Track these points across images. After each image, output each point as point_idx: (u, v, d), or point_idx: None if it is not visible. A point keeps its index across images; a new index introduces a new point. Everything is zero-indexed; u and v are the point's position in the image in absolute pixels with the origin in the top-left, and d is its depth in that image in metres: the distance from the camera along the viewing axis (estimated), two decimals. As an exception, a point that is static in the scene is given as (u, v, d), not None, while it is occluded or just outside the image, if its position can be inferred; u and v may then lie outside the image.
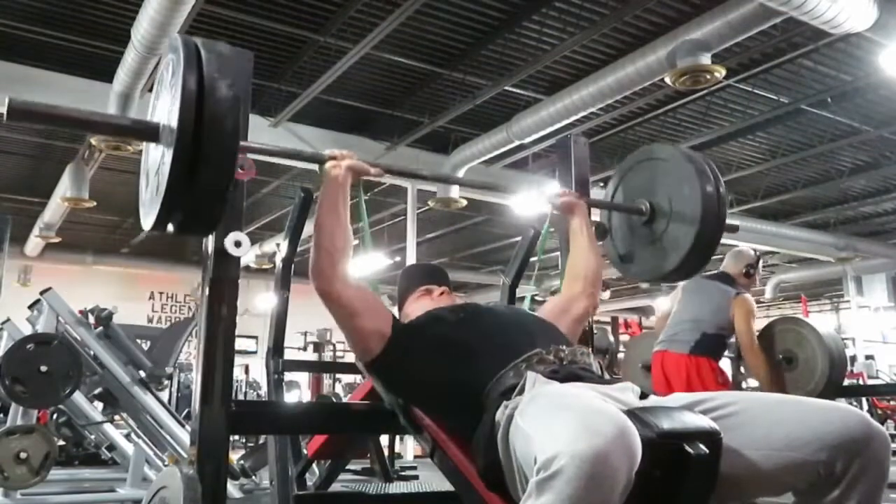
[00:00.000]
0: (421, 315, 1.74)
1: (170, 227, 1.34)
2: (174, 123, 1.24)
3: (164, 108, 1.34)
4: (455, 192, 8.03)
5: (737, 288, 3.66)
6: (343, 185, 1.69)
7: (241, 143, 1.42)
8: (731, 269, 3.80)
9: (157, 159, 1.34)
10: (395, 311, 1.96)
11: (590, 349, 1.72)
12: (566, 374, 1.44)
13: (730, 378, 3.98)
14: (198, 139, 1.23)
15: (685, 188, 2.01)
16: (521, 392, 1.37)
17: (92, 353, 4.24)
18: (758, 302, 17.48)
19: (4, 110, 1.25)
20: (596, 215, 2.27)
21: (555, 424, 1.11)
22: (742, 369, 5.62)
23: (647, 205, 2.11)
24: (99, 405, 4.74)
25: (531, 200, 8.42)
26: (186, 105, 1.23)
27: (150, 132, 1.37)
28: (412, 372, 1.61)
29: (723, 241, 2.05)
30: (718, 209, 1.98)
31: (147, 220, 1.36)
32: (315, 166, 1.78)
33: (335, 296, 1.61)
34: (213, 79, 1.26)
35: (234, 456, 4.84)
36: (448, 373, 1.54)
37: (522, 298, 2.20)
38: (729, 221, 2.03)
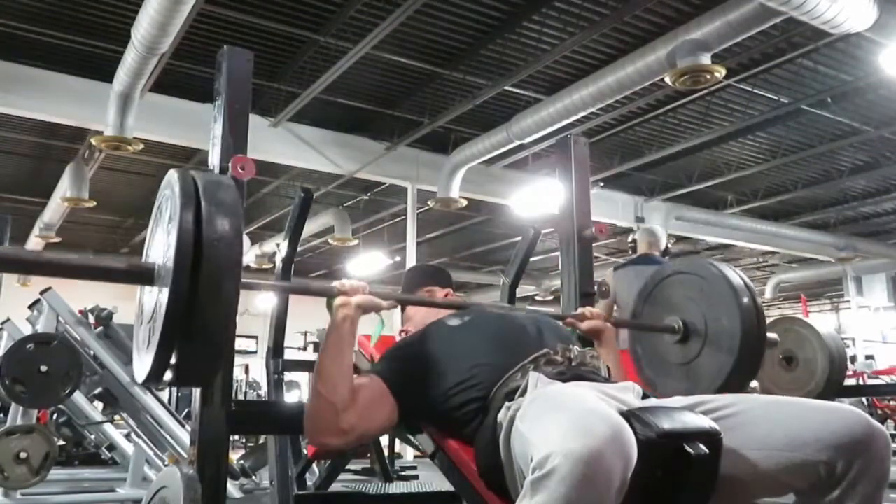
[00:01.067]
0: (421, 331, 1.69)
1: (167, 377, 1.23)
2: (170, 264, 1.14)
3: (160, 248, 1.24)
4: (455, 191, 8.03)
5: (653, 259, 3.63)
6: (351, 328, 1.52)
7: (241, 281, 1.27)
8: (656, 249, 3.76)
9: (151, 304, 1.24)
10: (397, 312, 1.96)
11: (599, 344, 1.71)
12: (572, 376, 1.44)
13: None
14: (195, 295, 1.13)
15: (723, 309, 1.83)
16: (524, 393, 1.37)
17: (92, 353, 4.24)
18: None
19: None
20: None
21: (550, 424, 1.11)
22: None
23: (680, 323, 1.93)
24: (99, 405, 4.74)
25: (531, 200, 8.45)
26: (182, 257, 1.13)
27: (146, 276, 1.25)
28: (427, 407, 1.56)
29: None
30: (758, 337, 1.80)
31: (141, 372, 1.25)
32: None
33: (352, 440, 1.50)
34: (212, 231, 1.15)
35: (234, 456, 4.84)
36: (456, 386, 1.52)
37: (524, 299, 2.18)
38: (770, 335, 1.86)
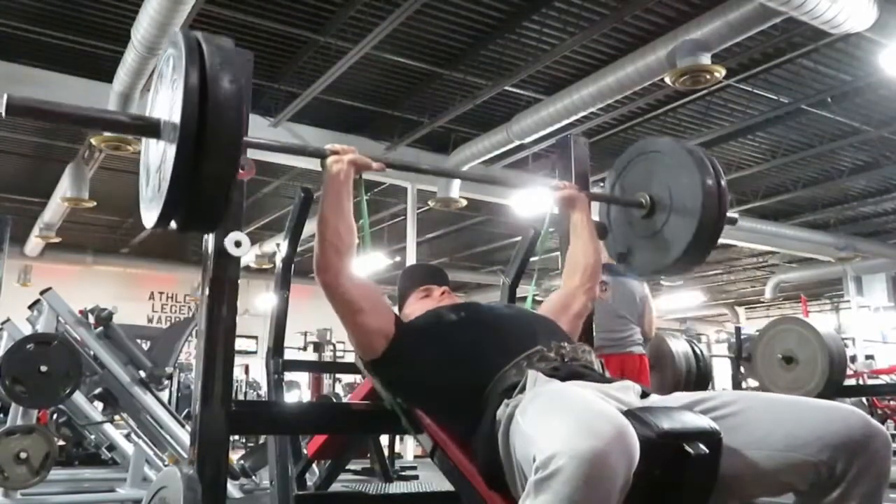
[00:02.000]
0: (422, 315, 1.73)
1: (172, 224, 1.33)
2: (176, 118, 1.22)
3: (165, 104, 1.32)
4: (455, 191, 8.03)
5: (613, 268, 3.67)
6: (346, 180, 1.67)
7: (245, 138, 1.41)
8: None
9: (157, 156, 1.33)
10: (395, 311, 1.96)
11: (591, 346, 1.71)
12: (567, 371, 1.44)
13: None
14: (201, 133, 1.21)
15: (685, 180, 1.99)
16: (523, 390, 1.37)
17: (92, 353, 4.24)
18: (758, 302, 17.38)
19: (3, 106, 1.24)
20: (595, 213, 2.26)
21: (554, 424, 1.11)
22: (742, 369, 5.62)
23: (647, 198, 2.09)
24: (99, 405, 4.74)
25: (531, 200, 8.45)
26: (189, 99, 1.21)
27: (150, 128, 1.35)
28: (414, 371, 1.61)
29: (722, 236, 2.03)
30: (719, 201, 1.96)
31: (149, 218, 1.35)
32: (317, 163, 1.77)
33: (341, 290, 1.60)
34: (215, 72, 1.24)
35: (234, 456, 4.84)
36: (450, 372, 1.54)
37: (524, 299, 2.19)
38: (729, 214, 2.02)
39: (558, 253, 2.22)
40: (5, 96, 1.24)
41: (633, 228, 2.18)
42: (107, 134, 5.94)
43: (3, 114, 1.24)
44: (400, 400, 1.72)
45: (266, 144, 1.78)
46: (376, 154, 8.08)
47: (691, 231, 1.96)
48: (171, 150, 1.23)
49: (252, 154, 1.60)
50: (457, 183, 7.97)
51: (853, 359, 8.73)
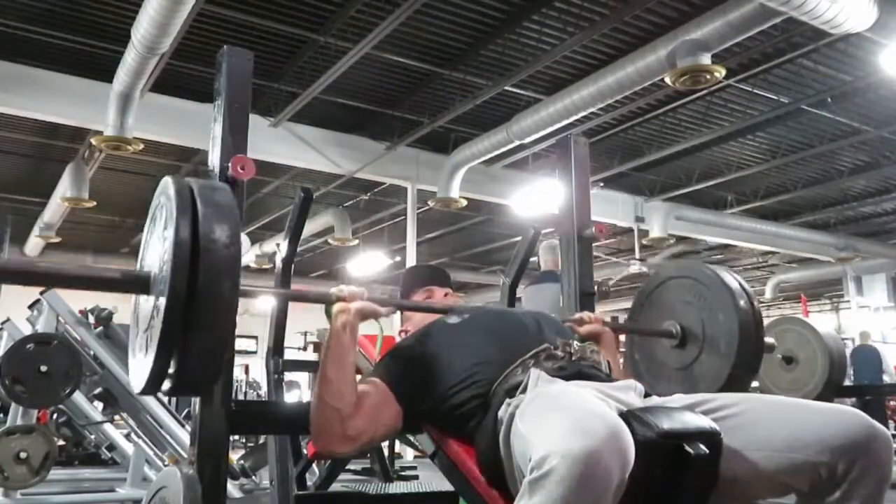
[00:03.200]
0: (420, 335, 1.68)
1: (165, 387, 1.21)
2: (166, 278, 1.13)
3: (156, 257, 1.22)
4: (455, 191, 8.03)
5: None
6: (352, 334, 1.51)
7: (241, 287, 1.26)
8: (549, 265, 3.81)
9: (148, 311, 1.22)
10: (396, 314, 1.95)
11: (598, 346, 1.71)
12: (573, 371, 1.44)
13: None
14: (192, 302, 1.11)
15: (720, 316, 1.84)
16: (525, 390, 1.37)
17: (92, 353, 4.24)
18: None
19: None
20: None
21: (548, 424, 1.11)
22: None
23: (678, 328, 1.94)
24: (99, 405, 4.74)
25: (531, 200, 8.45)
26: (179, 260, 1.11)
27: (140, 284, 1.24)
28: (430, 409, 1.55)
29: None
30: (756, 339, 1.81)
31: (138, 383, 1.23)
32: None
33: (349, 451, 1.50)
34: (209, 236, 1.13)
35: (234, 456, 4.84)
36: (457, 384, 1.51)
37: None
38: (767, 339, 1.89)
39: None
40: None
41: (661, 358, 2.01)
42: (107, 134, 5.93)
43: None
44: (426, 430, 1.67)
45: (265, 290, 1.72)
46: (377, 154, 8.13)
47: (725, 373, 1.81)
48: (160, 313, 1.12)
49: (252, 154, 1.59)
50: (457, 183, 7.96)
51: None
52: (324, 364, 1.48)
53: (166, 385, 1.19)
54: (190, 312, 1.11)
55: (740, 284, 1.87)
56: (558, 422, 1.09)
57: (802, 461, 1.21)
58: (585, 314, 1.89)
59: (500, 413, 1.34)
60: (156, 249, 1.23)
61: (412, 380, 1.55)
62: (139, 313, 1.29)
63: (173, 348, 1.14)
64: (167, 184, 1.22)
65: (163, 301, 1.11)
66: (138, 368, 1.24)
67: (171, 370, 1.17)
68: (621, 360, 1.98)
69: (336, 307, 1.52)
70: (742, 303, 1.82)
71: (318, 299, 1.59)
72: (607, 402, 1.25)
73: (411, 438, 1.72)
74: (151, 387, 1.19)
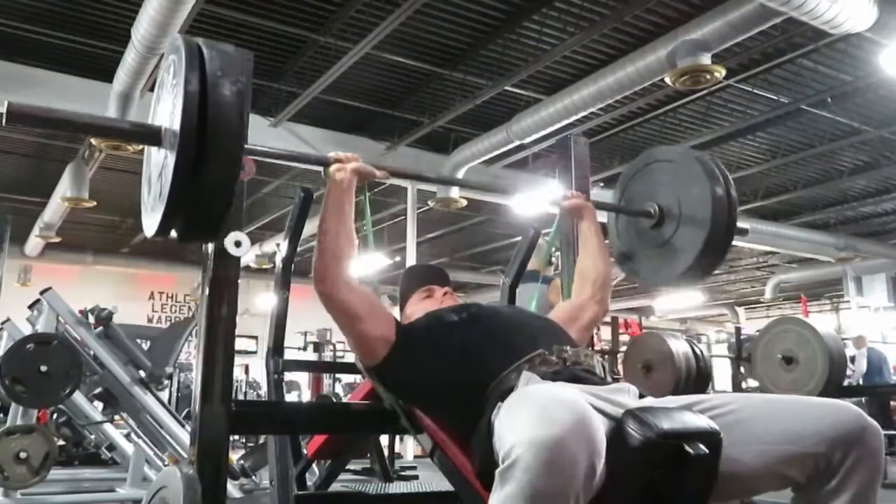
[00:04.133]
0: (422, 317, 1.73)
1: (173, 234, 1.31)
2: (177, 126, 1.21)
3: (166, 111, 1.31)
4: (455, 192, 8.04)
5: (543, 277, 3.71)
6: (348, 189, 1.65)
7: (246, 146, 1.39)
8: (532, 265, 3.85)
9: (159, 163, 1.31)
10: (395, 311, 1.96)
11: (594, 350, 1.71)
12: (568, 376, 1.44)
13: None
14: (201, 141, 1.20)
15: (694, 190, 1.96)
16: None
17: (92, 353, 4.24)
18: (757, 302, 17.37)
19: (3, 113, 1.23)
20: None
21: (517, 417, 1.13)
22: (742, 369, 5.62)
23: (656, 207, 2.06)
24: (99, 405, 4.74)
25: (531, 200, 8.44)
26: (189, 107, 1.20)
27: (151, 135, 1.34)
28: (416, 375, 1.60)
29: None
30: (729, 211, 1.93)
31: (150, 226, 1.33)
32: (319, 168, 1.76)
33: (339, 300, 1.58)
34: (216, 79, 1.22)
35: (234, 456, 4.84)
36: (451, 375, 1.53)
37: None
38: (739, 225, 1.99)
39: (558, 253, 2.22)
40: (6, 103, 1.24)
41: (641, 238, 2.15)
42: (107, 134, 5.94)
43: (4, 122, 1.23)
44: (402, 402, 1.72)
45: (269, 152, 1.77)
46: (377, 154, 8.13)
47: (700, 242, 1.92)
48: (172, 158, 1.21)
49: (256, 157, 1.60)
50: (457, 183, 7.97)
51: (853, 359, 8.74)
52: (323, 215, 1.62)
53: (176, 232, 1.31)
54: (198, 163, 1.20)
55: (713, 162, 2.00)
56: (525, 413, 1.11)
57: (800, 453, 1.24)
58: (569, 191, 2.08)
59: (493, 417, 1.35)
60: (165, 105, 1.32)
61: (414, 338, 1.63)
62: (150, 166, 1.39)
63: (186, 190, 1.22)
64: (177, 41, 1.29)
65: (173, 154, 1.20)
66: (150, 217, 1.33)
67: (180, 218, 1.28)
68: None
69: (334, 166, 1.67)
70: (715, 177, 1.94)
71: (317, 161, 1.75)
72: (598, 404, 1.26)
73: (405, 423, 1.73)
74: (162, 231, 1.29)
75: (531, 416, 1.08)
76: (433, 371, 1.57)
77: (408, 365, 1.60)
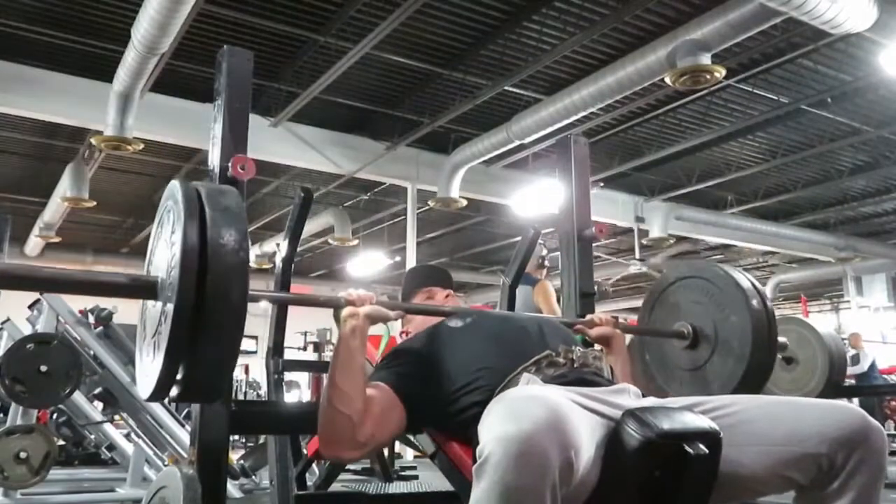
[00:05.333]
0: (424, 337, 1.67)
1: (173, 393, 1.21)
2: (174, 284, 1.11)
3: (163, 261, 1.21)
4: (455, 191, 8.03)
5: (528, 277, 3.76)
6: (361, 339, 1.51)
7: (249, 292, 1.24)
8: (532, 268, 3.93)
9: (155, 317, 1.20)
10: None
11: (601, 351, 1.70)
12: (574, 378, 1.43)
13: None
14: (200, 309, 1.10)
15: (733, 318, 1.82)
16: None
17: (92, 353, 4.24)
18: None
19: None
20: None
21: (492, 417, 1.12)
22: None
23: (689, 328, 1.92)
24: (99, 405, 4.74)
25: (531, 200, 8.45)
26: (187, 267, 1.10)
27: (147, 289, 1.22)
28: (432, 412, 1.55)
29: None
30: (769, 341, 1.81)
31: (145, 389, 1.22)
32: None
33: (360, 455, 1.50)
34: (218, 241, 1.12)
35: (234, 456, 4.84)
36: (459, 389, 1.51)
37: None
38: (779, 339, 1.88)
39: (558, 253, 2.22)
40: None
41: (673, 360, 2.00)
42: (107, 134, 5.94)
43: None
44: (427, 430, 1.67)
45: (273, 297, 1.72)
46: (377, 154, 8.12)
47: (739, 375, 1.80)
48: (168, 321, 1.11)
49: (252, 154, 1.59)
50: (457, 183, 7.97)
51: (854, 359, 8.75)
52: (333, 370, 1.46)
53: (174, 392, 1.18)
54: (198, 319, 1.10)
55: (752, 284, 1.86)
56: (497, 412, 1.11)
57: (801, 454, 1.23)
58: (597, 316, 1.87)
59: None
60: (163, 254, 1.22)
61: (416, 380, 1.55)
62: (146, 318, 1.28)
63: (181, 355, 1.13)
64: (174, 188, 1.20)
65: (171, 307, 1.10)
66: (145, 374, 1.22)
67: (178, 377, 1.16)
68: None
69: (345, 311, 1.51)
70: (755, 303, 1.81)
71: (327, 303, 1.57)
72: (596, 406, 1.25)
73: (412, 438, 1.71)
74: (159, 393, 1.18)
75: (502, 413, 1.08)
76: (442, 390, 1.53)
77: (424, 413, 1.55)
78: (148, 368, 1.21)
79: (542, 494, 1.02)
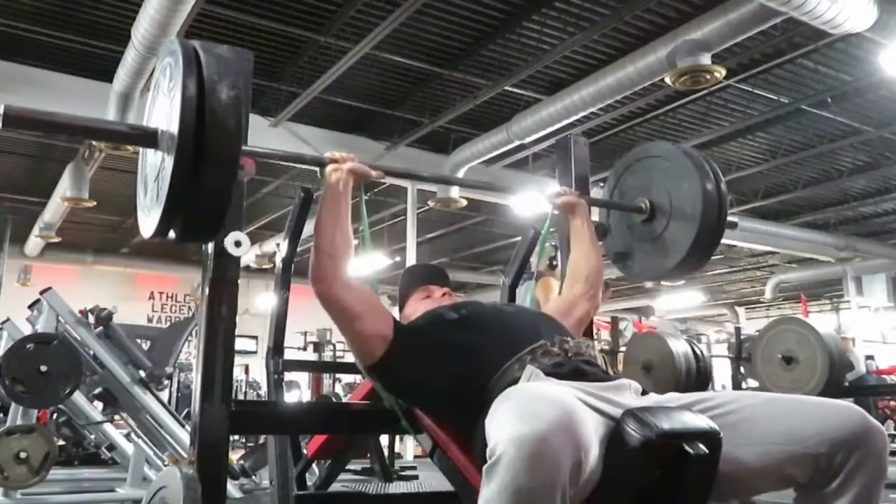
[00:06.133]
0: (421, 315, 1.73)
1: (171, 234, 1.32)
2: (174, 128, 1.21)
3: (163, 113, 1.31)
4: (455, 192, 8.04)
5: (531, 274, 3.70)
6: (345, 189, 1.66)
7: (243, 147, 1.40)
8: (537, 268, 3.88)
9: (156, 165, 1.31)
10: (395, 311, 1.96)
11: (594, 342, 1.71)
12: (570, 368, 1.44)
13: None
14: (199, 143, 1.20)
15: (685, 185, 1.99)
16: None
17: (92, 353, 4.24)
18: (758, 302, 17.34)
19: (1, 116, 1.23)
20: (595, 215, 2.26)
21: (503, 415, 1.13)
22: (742, 369, 5.62)
23: (647, 203, 2.10)
24: (99, 405, 4.74)
25: (531, 200, 8.44)
26: (187, 109, 1.20)
27: (148, 138, 1.34)
28: (415, 373, 1.60)
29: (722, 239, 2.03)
30: (719, 206, 1.96)
31: (147, 227, 1.33)
32: (315, 168, 1.76)
33: (336, 299, 1.58)
34: (213, 81, 1.22)
35: (234, 456, 4.84)
36: (452, 370, 1.53)
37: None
38: (729, 218, 2.02)
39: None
40: (2, 107, 1.24)
41: (633, 233, 2.18)
42: (107, 134, 5.94)
43: (1, 125, 1.23)
44: (402, 402, 1.72)
45: (266, 153, 1.75)
46: (377, 154, 8.13)
47: (692, 236, 1.96)
48: (169, 161, 1.21)
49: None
50: (457, 183, 7.97)
51: (849, 365, 8.76)
52: (319, 216, 1.63)
53: (174, 233, 1.31)
54: (198, 158, 1.20)
55: (703, 158, 2.03)
56: (510, 410, 1.11)
57: (801, 453, 1.23)
58: (562, 188, 2.09)
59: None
60: (162, 107, 1.32)
61: (411, 338, 1.62)
62: (147, 168, 1.39)
63: (182, 192, 1.22)
64: (172, 43, 1.30)
65: (173, 147, 1.20)
66: (148, 217, 1.33)
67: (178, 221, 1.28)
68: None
69: (329, 167, 1.68)
70: (705, 173, 1.96)
71: (312, 161, 1.76)
72: (597, 403, 1.25)
73: (405, 423, 1.72)
74: (160, 232, 1.29)
75: (515, 413, 1.09)
76: (433, 368, 1.56)
77: (406, 363, 1.60)
78: (151, 211, 1.32)
79: (553, 496, 1.02)
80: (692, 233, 1.96)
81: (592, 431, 1.13)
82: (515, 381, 1.40)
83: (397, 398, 1.72)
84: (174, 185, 1.20)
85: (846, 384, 7.58)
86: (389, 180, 8.70)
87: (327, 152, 1.74)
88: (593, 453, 1.12)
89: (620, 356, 5.40)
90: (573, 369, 1.43)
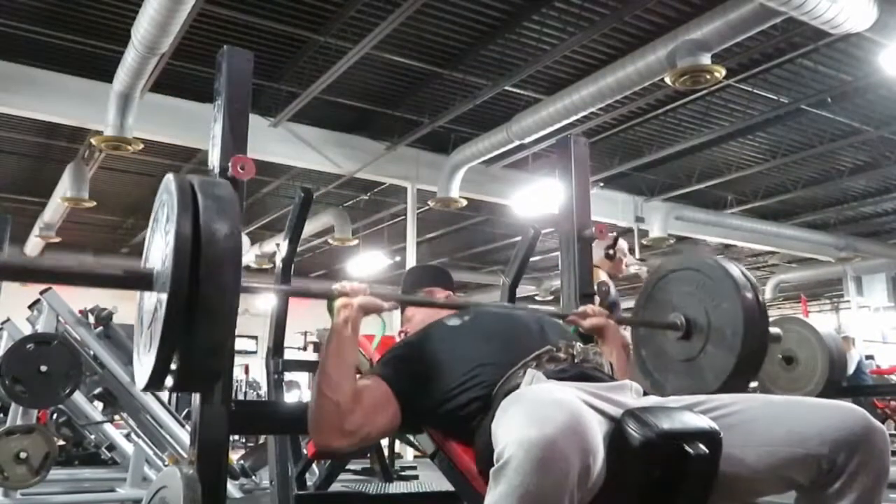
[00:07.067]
0: (421, 333, 1.68)
1: (168, 383, 1.23)
2: (167, 275, 1.13)
3: (159, 253, 1.24)
4: (455, 191, 8.04)
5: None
6: (353, 332, 1.51)
7: (242, 283, 1.28)
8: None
9: (150, 310, 1.23)
10: (396, 313, 1.95)
11: (601, 348, 1.70)
12: (575, 373, 1.43)
13: None
14: (193, 294, 1.12)
15: (724, 304, 1.85)
16: None
17: (92, 353, 4.24)
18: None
19: None
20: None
21: (510, 417, 1.12)
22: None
23: (682, 319, 1.95)
24: (99, 405, 4.74)
25: (531, 200, 8.44)
26: (180, 255, 1.12)
27: (143, 280, 1.25)
28: (428, 409, 1.54)
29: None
30: (761, 328, 1.83)
31: (140, 378, 1.24)
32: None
33: (337, 451, 1.49)
34: (210, 228, 1.14)
35: (234, 456, 4.84)
36: (456, 387, 1.50)
37: (526, 298, 2.18)
38: (772, 329, 1.89)
39: (558, 253, 2.22)
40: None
41: (666, 349, 2.02)
42: (107, 134, 5.94)
43: None
44: (426, 429, 1.66)
45: (266, 287, 1.72)
46: (376, 154, 8.12)
47: (731, 363, 1.81)
48: (163, 308, 1.13)
49: (252, 154, 1.59)
50: (457, 183, 7.97)
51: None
52: (324, 358, 1.48)
53: (169, 382, 1.20)
54: (192, 307, 1.12)
55: (742, 273, 1.88)
56: (518, 413, 1.10)
57: (803, 455, 1.22)
58: (589, 307, 1.89)
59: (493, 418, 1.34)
60: (158, 246, 1.24)
61: (412, 379, 1.54)
62: (143, 311, 1.30)
63: (176, 344, 1.14)
64: (169, 181, 1.23)
65: (165, 296, 1.12)
66: (142, 364, 1.24)
67: (174, 368, 1.18)
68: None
69: (338, 302, 1.52)
70: (746, 292, 1.83)
71: (320, 294, 1.58)
72: (598, 403, 1.25)
73: (411, 438, 1.71)
74: (154, 382, 1.19)
75: (524, 416, 1.08)
76: (440, 398, 1.51)
77: (419, 410, 1.54)
78: (144, 359, 1.23)
79: (561, 499, 1.02)
80: (733, 358, 1.81)
81: (599, 435, 1.13)
82: (518, 387, 1.39)
83: (422, 429, 1.68)
84: (165, 336, 1.12)
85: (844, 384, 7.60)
86: (390, 180, 8.73)
87: (336, 284, 1.57)
88: (600, 457, 1.12)
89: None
90: (578, 374, 1.42)
